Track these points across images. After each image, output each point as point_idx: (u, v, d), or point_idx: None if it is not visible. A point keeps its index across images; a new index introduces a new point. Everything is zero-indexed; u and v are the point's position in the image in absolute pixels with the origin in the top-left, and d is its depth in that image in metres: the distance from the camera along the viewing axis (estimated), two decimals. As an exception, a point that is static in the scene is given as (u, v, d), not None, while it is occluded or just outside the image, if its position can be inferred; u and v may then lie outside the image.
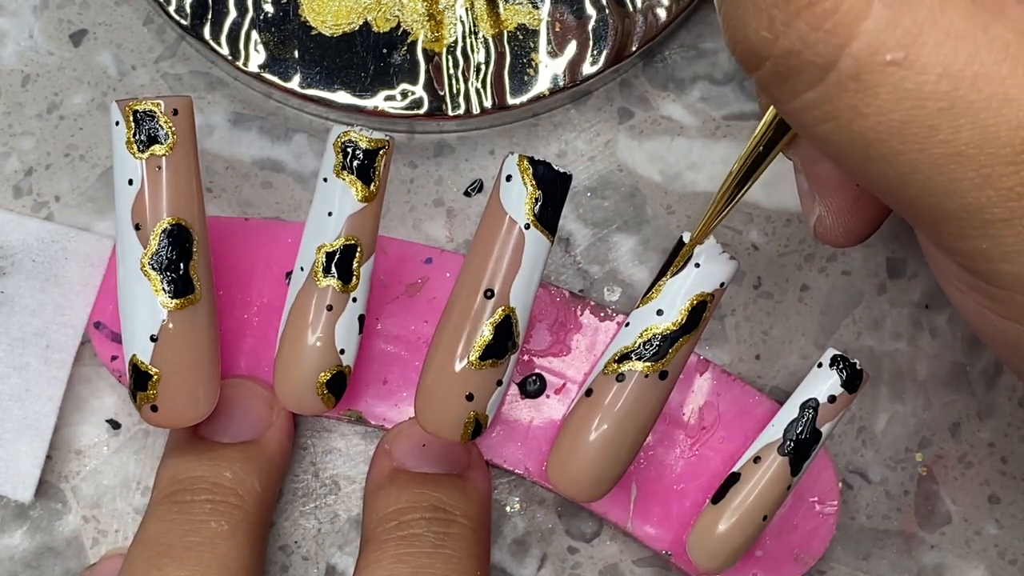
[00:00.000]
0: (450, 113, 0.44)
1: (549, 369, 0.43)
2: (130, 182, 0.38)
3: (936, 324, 0.46)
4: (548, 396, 0.43)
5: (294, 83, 0.44)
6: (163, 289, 0.38)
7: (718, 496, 0.41)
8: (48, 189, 0.45)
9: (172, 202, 0.38)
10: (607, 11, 0.44)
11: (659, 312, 0.39)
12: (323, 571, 0.44)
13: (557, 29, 0.44)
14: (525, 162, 0.38)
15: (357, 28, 0.44)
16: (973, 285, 0.34)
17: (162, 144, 0.38)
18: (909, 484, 0.45)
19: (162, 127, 0.38)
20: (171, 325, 0.38)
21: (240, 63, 0.44)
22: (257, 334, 0.43)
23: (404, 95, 0.44)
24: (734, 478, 0.41)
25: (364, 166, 0.39)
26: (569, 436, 0.39)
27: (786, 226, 0.46)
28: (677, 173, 0.46)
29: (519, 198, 0.38)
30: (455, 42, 0.44)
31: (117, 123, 0.38)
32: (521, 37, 0.44)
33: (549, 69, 0.44)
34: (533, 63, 0.44)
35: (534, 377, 0.43)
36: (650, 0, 0.44)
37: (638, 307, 0.39)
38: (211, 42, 0.44)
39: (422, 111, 0.44)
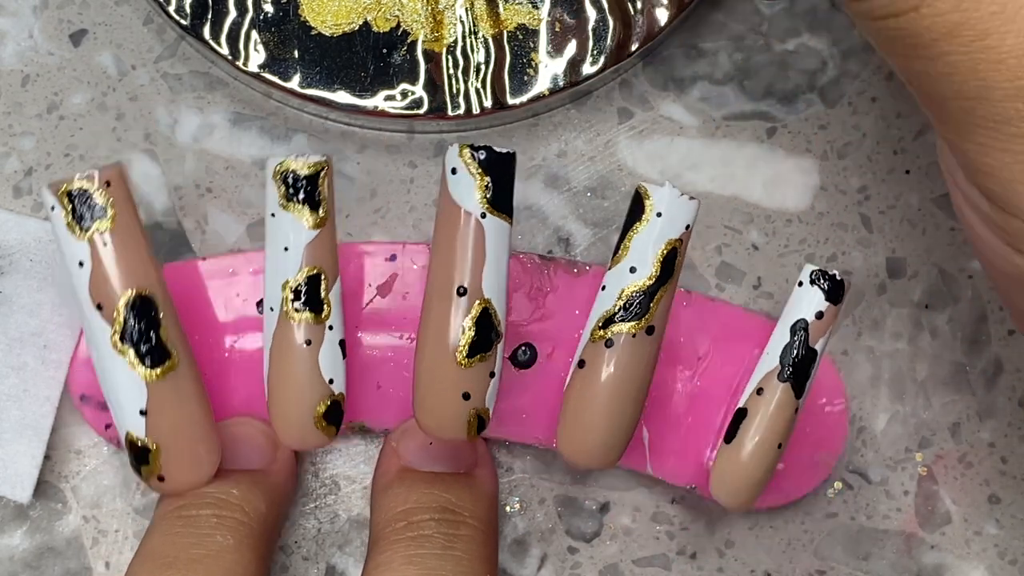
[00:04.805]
0: (450, 113, 0.44)
1: (537, 335, 0.43)
2: (81, 264, 0.38)
3: (936, 324, 0.46)
4: (541, 362, 0.43)
5: (294, 83, 0.44)
6: (141, 362, 0.38)
7: (729, 435, 0.41)
8: (48, 189, 0.45)
9: (128, 274, 0.38)
10: (607, 11, 0.44)
11: (632, 269, 0.39)
12: (323, 571, 0.44)
13: (557, 29, 0.44)
14: (467, 152, 0.37)
15: (357, 28, 0.44)
16: (992, 216, 0.34)
17: (104, 219, 0.37)
18: (909, 484, 0.45)
19: (99, 202, 0.37)
20: (157, 396, 0.38)
21: (240, 63, 0.44)
22: (242, 369, 0.43)
23: (404, 95, 0.44)
24: (742, 414, 0.40)
25: (309, 193, 0.38)
26: (571, 411, 0.39)
27: (786, 226, 0.46)
28: (677, 173, 0.46)
29: (469, 189, 0.38)
30: (455, 42, 0.44)
31: (53, 208, 0.38)
32: (521, 37, 0.44)
33: (549, 69, 0.44)
34: (533, 63, 0.44)
35: (524, 348, 0.43)
36: (650, 0, 0.44)
37: (610, 268, 0.39)
38: (211, 42, 0.44)
39: (422, 111, 0.44)
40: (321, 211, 0.39)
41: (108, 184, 0.37)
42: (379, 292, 0.43)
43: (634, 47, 0.44)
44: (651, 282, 0.38)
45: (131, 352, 0.38)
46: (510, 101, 0.44)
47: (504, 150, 0.38)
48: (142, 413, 0.38)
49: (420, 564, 0.38)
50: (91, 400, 0.43)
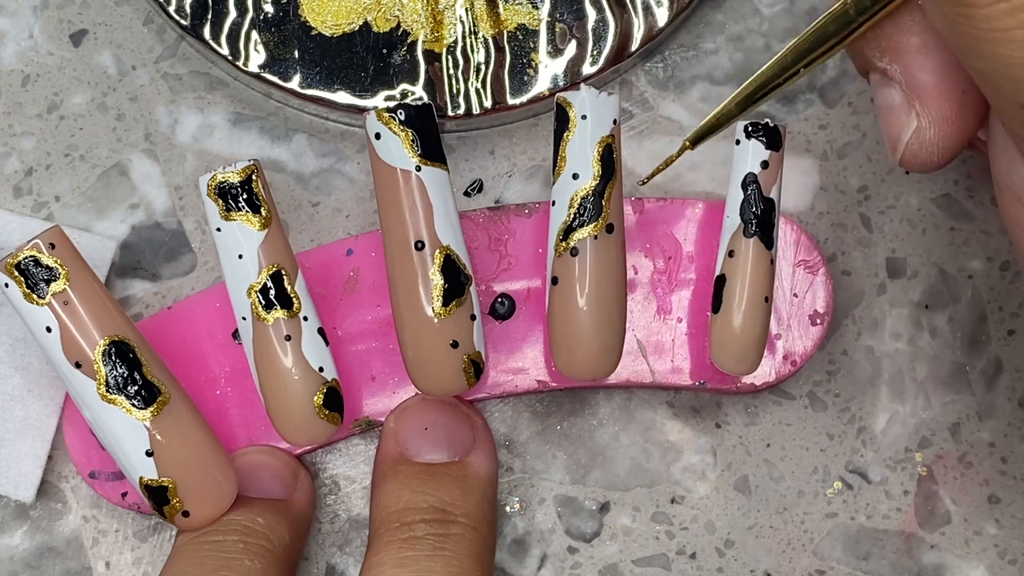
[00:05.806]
0: (450, 113, 0.44)
1: (508, 284, 0.44)
2: (48, 329, 0.38)
3: (936, 324, 0.46)
4: (522, 309, 0.44)
5: (294, 83, 0.44)
6: (134, 405, 0.38)
7: (716, 304, 0.41)
8: (48, 189, 0.45)
9: (97, 324, 0.38)
10: (607, 11, 0.44)
11: (575, 176, 0.39)
12: (323, 571, 0.45)
13: (557, 29, 0.44)
14: (385, 115, 0.39)
15: (357, 28, 0.44)
16: None
17: (58, 280, 0.38)
18: (909, 484, 0.45)
19: (50, 265, 0.38)
20: (158, 434, 0.38)
21: (240, 63, 0.44)
22: (239, 402, 0.43)
23: (404, 95, 0.44)
24: (721, 280, 0.41)
25: (248, 198, 0.39)
26: (558, 327, 0.40)
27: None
28: (677, 173, 0.46)
29: (397, 148, 0.39)
30: (455, 42, 0.44)
31: (7, 285, 0.38)
32: (521, 37, 0.44)
33: (549, 69, 0.44)
34: (533, 63, 0.44)
35: (500, 299, 0.44)
36: (650, 0, 0.44)
37: (553, 183, 0.40)
38: (211, 42, 0.44)
39: (422, 111, 0.44)
40: (264, 211, 0.39)
41: (52, 246, 0.38)
42: (346, 288, 0.43)
43: (634, 47, 0.44)
44: (596, 182, 0.39)
45: (121, 398, 0.38)
46: (510, 101, 0.44)
47: (420, 103, 0.39)
48: (148, 454, 0.38)
49: (410, 566, 0.38)
50: (101, 474, 0.43)
